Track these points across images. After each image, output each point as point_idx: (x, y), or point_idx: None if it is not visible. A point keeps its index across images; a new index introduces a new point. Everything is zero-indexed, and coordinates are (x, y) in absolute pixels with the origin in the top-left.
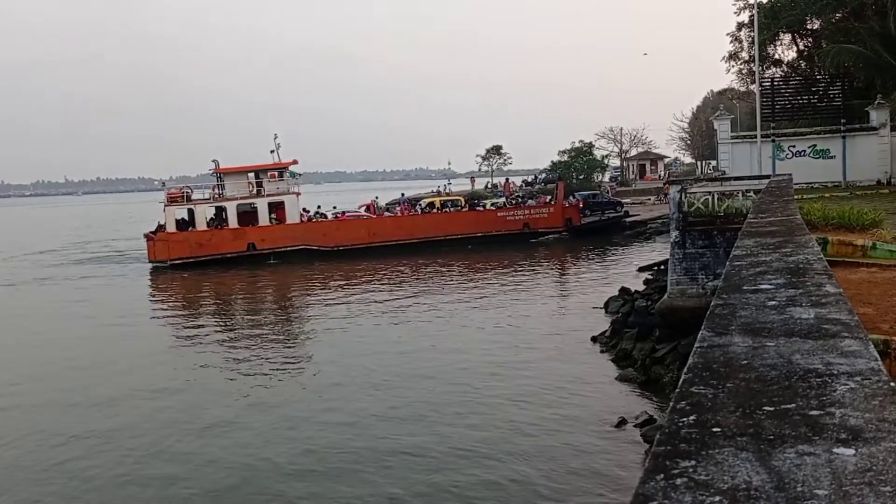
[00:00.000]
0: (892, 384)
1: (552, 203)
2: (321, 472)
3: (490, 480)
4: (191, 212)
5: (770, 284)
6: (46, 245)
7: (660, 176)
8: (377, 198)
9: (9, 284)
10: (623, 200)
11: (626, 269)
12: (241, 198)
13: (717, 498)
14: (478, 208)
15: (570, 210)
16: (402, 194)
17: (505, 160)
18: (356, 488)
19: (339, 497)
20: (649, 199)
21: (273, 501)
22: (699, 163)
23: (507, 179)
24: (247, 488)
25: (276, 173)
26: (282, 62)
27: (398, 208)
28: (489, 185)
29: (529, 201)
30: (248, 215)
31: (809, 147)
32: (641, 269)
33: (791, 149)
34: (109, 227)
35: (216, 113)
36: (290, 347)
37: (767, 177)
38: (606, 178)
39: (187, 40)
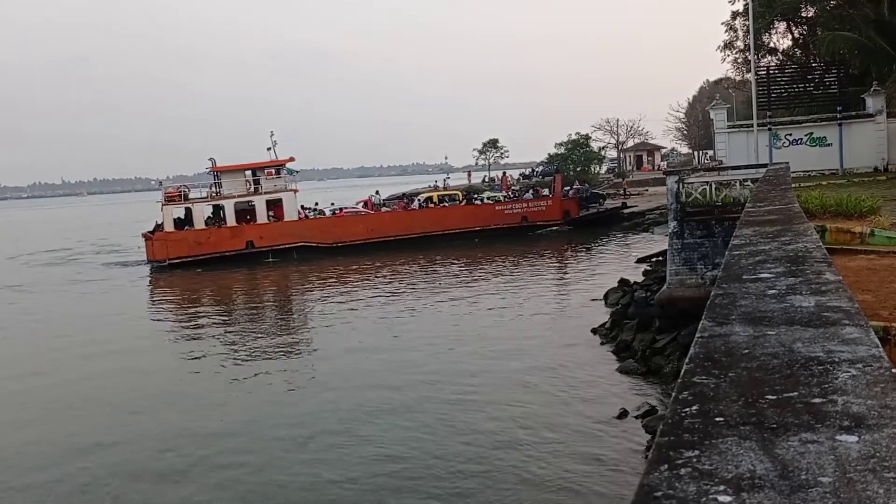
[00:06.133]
0: (894, 371)
1: (550, 196)
2: (327, 468)
3: (490, 472)
4: (188, 210)
5: (770, 273)
6: (54, 245)
7: (657, 167)
8: (377, 192)
9: (14, 286)
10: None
11: (625, 261)
12: (239, 196)
13: (722, 487)
14: (475, 202)
15: (568, 202)
16: (403, 194)
17: (502, 153)
18: (359, 481)
19: (344, 491)
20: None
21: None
22: (696, 153)
23: (504, 173)
24: (258, 491)
25: (274, 171)
26: (276, 60)
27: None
28: (486, 179)
29: (526, 194)
30: (245, 213)
31: (806, 135)
32: (640, 261)
33: (788, 137)
34: (112, 227)
35: (211, 112)
36: (293, 346)
37: (764, 165)
38: (604, 170)
39: (182, 40)
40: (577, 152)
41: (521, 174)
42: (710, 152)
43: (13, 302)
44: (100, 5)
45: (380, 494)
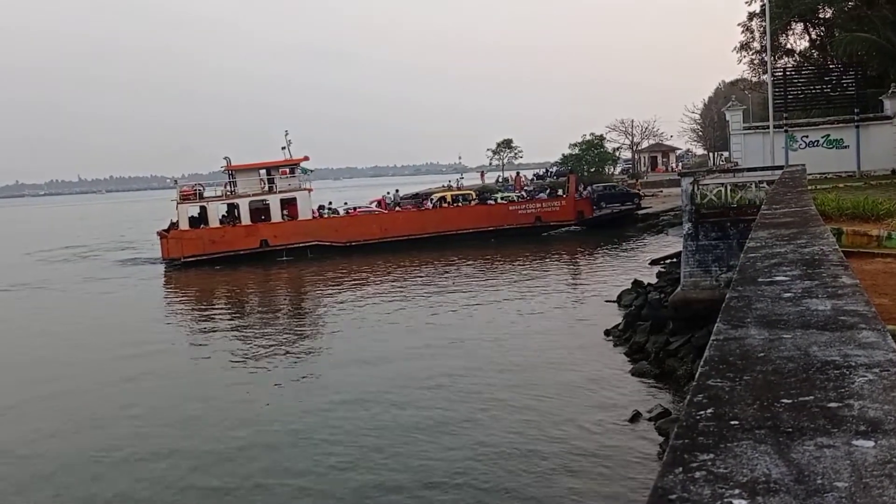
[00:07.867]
0: None
1: (564, 196)
2: (339, 470)
3: (503, 473)
4: (203, 209)
5: (785, 276)
6: (69, 242)
7: (672, 168)
8: (397, 191)
9: (28, 284)
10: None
11: (639, 262)
12: (254, 195)
13: (737, 491)
14: (489, 202)
15: (582, 203)
16: (416, 194)
17: (515, 154)
18: (372, 480)
19: (356, 491)
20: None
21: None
22: (711, 154)
23: (517, 173)
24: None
25: (288, 170)
26: (283, 61)
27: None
28: (500, 179)
29: (540, 194)
30: (260, 212)
31: (822, 137)
32: (654, 262)
33: (804, 139)
34: (127, 224)
35: (224, 111)
36: (308, 351)
37: (780, 167)
38: (618, 171)
39: (189, 42)
40: (591, 153)
41: (534, 174)
42: (726, 154)
43: (26, 300)
44: (102, 5)
45: (395, 493)
